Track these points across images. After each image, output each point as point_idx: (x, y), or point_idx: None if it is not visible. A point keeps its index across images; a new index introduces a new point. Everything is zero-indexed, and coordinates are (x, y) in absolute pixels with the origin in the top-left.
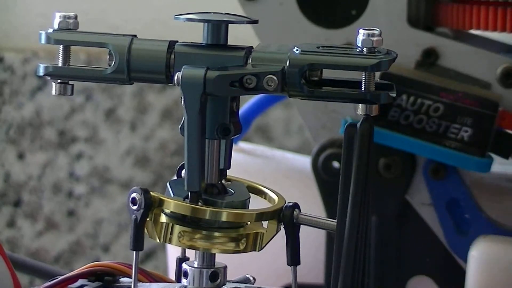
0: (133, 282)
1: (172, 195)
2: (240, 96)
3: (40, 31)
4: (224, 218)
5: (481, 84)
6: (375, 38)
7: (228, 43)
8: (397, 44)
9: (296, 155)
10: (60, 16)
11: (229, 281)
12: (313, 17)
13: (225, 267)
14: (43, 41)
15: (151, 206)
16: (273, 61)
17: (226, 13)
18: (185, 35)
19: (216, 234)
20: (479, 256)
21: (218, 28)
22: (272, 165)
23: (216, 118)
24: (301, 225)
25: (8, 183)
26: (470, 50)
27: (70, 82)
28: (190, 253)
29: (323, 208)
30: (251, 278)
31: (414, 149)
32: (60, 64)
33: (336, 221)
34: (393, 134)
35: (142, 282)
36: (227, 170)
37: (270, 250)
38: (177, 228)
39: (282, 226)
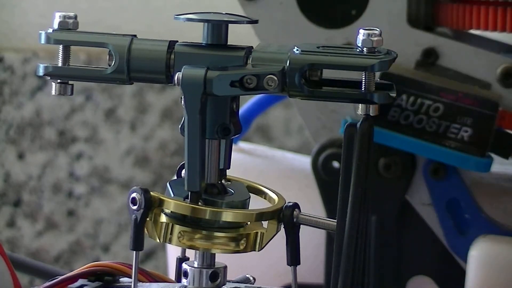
0: (133, 282)
1: (172, 195)
2: (240, 96)
3: (40, 31)
4: (224, 218)
5: (481, 84)
6: (375, 38)
7: (228, 43)
8: (397, 44)
9: (296, 155)
10: (60, 16)
11: (229, 281)
12: (313, 17)
13: (225, 267)
14: (43, 41)
15: (151, 206)
16: (273, 61)
17: (226, 13)
18: (185, 35)
19: (216, 234)
20: (479, 256)
21: (218, 28)
22: (272, 165)
23: (216, 118)
24: (301, 225)
25: (8, 183)
26: (470, 50)
27: (70, 82)
28: (190, 253)
29: (323, 208)
30: (251, 278)
31: (414, 149)
32: (60, 64)
33: (336, 221)
34: (393, 134)
35: (142, 282)
36: (227, 170)
37: (270, 250)
38: (177, 228)
39: (282, 226)
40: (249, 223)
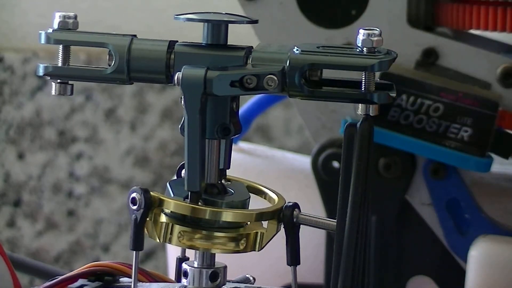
0: (133, 282)
1: (172, 195)
2: (240, 96)
3: (40, 31)
4: (224, 218)
5: (481, 84)
6: (375, 38)
7: (228, 43)
8: (397, 44)
9: (296, 155)
10: (60, 16)
11: (229, 281)
12: (313, 17)
13: (225, 267)
14: (42, 41)
15: (151, 206)
16: (273, 61)
17: (226, 13)
18: (185, 35)
19: (216, 234)
20: (479, 256)
21: (218, 28)
22: (272, 165)
23: (216, 118)
24: (301, 225)
25: (8, 183)
26: (470, 50)
27: (70, 82)
28: (190, 253)
29: (323, 208)
30: (251, 278)
31: (414, 149)
32: (60, 64)
33: (336, 221)
34: (393, 134)
35: (142, 282)
36: (227, 170)
37: (270, 250)
38: (177, 228)
39: (282, 226)
40: (249, 223)
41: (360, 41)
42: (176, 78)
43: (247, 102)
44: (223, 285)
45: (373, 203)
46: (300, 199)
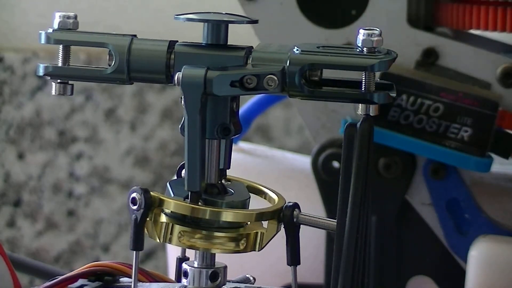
0: (133, 282)
1: (172, 195)
2: (240, 96)
3: (40, 31)
4: (224, 218)
5: (481, 84)
6: (375, 38)
7: (228, 43)
8: (397, 44)
9: (296, 155)
10: (60, 16)
11: (229, 281)
12: (313, 17)
13: (225, 267)
14: (43, 41)
15: (151, 206)
16: (273, 61)
17: (226, 13)
18: (185, 35)
19: (216, 234)
20: (479, 256)
21: (218, 28)
22: (272, 165)
23: (216, 118)
24: (301, 225)
25: (8, 183)
26: (470, 50)
27: (70, 82)
28: (190, 253)
29: (323, 208)
30: (251, 278)
31: (414, 149)
32: (60, 64)
33: (336, 221)
34: (393, 134)
35: (142, 282)
36: (227, 170)
37: (270, 250)
38: (177, 228)
39: (282, 226)
40: (249, 223)
41: (360, 41)
42: (176, 78)
43: (247, 102)
44: (223, 285)
45: (373, 203)
46: (300, 199)
